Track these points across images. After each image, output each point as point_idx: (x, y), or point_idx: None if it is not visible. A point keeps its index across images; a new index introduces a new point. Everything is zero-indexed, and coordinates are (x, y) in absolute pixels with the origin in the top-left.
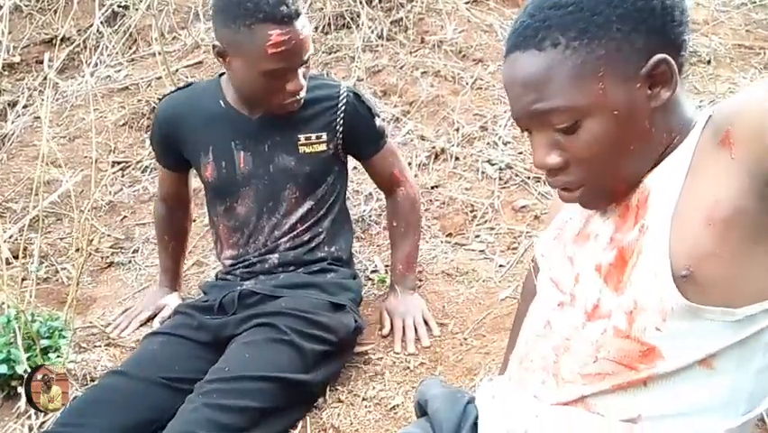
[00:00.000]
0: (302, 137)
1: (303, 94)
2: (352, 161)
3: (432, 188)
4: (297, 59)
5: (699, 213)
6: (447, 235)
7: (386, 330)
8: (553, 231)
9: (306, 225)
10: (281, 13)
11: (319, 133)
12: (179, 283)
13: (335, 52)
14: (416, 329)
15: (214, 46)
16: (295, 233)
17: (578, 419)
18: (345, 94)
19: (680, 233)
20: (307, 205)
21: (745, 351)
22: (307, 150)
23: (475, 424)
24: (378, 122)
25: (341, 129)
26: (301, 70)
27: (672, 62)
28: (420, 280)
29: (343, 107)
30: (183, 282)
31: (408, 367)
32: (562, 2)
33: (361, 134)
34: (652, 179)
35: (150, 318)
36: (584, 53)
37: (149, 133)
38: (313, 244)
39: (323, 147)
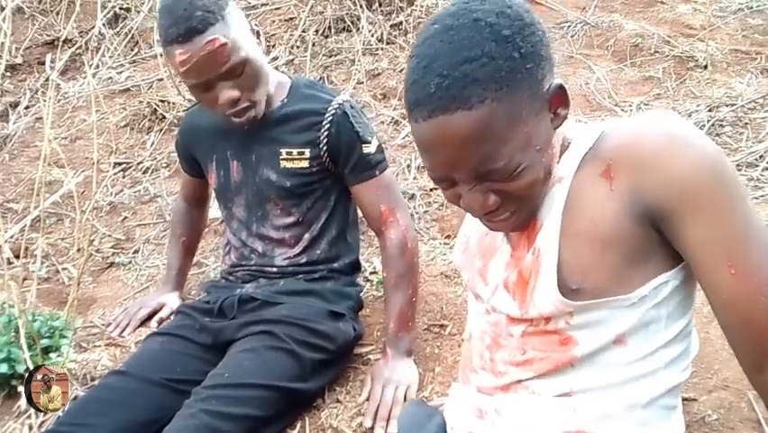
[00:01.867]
0: (284, 152)
1: (245, 104)
2: None
3: (430, 190)
4: (209, 72)
5: (581, 235)
6: (446, 237)
7: (362, 397)
8: (461, 244)
9: (297, 238)
10: (175, 34)
11: (301, 149)
12: (182, 283)
13: (335, 55)
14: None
15: None
16: (287, 248)
17: (517, 400)
18: (333, 111)
19: (566, 254)
20: (293, 218)
21: (649, 325)
22: (288, 165)
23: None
24: (367, 149)
25: (325, 148)
26: (223, 84)
27: (564, 84)
28: (418, 282)
29: (328, 125)
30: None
31: None
32: (472, 55)
33: (343, 158)
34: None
35: (150, 317)
36: (508, 102)
37: (150, 134)
38: (306, 259)
39: (305, 163)
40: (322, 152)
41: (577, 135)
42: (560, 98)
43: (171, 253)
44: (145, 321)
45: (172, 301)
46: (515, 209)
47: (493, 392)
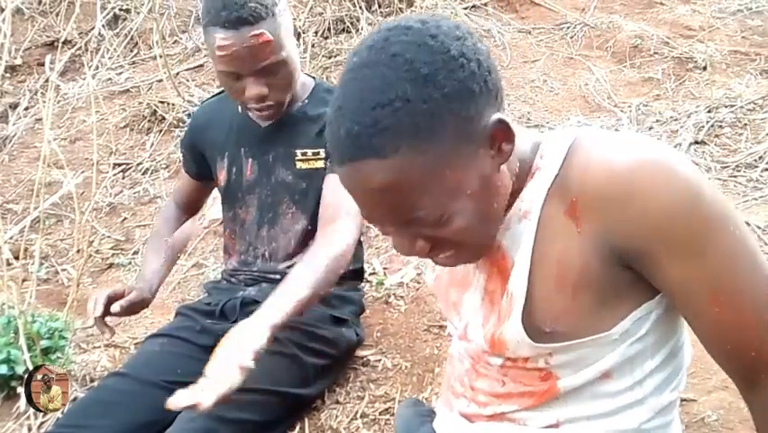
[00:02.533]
0: (299, 152)
1: (270, 102)
2: None
3: None
4: (244, 65)
5: (550, 278)
6: None
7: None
8: (431, 273)
9: (303, 246)
10: (223, 18)
11: (316, 150)
12: (156, 289)
13: (335, 57)
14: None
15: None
16: (294, 252)
17: (502, 430)
18: None
19: (537, 298)
20: (303, 222)
21: (635, 357)
22: (304, 166)
23: None
24: None
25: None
26: (253, 79)
27: (505, 118)
28: (418, 283)
29: None
30: (182, 284)
31: (407, 370)
32: (384, 99)
33: None
34: (506, 237)
35: (117, 296)
36: (427, 149)
37: (149, 135)
38: None
39: (320, 164)
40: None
41: (544, 156)
42: (502, 133)
43: (150, 252)
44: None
45: (142, 292)
46: (451, 253)
47: (477, 420)
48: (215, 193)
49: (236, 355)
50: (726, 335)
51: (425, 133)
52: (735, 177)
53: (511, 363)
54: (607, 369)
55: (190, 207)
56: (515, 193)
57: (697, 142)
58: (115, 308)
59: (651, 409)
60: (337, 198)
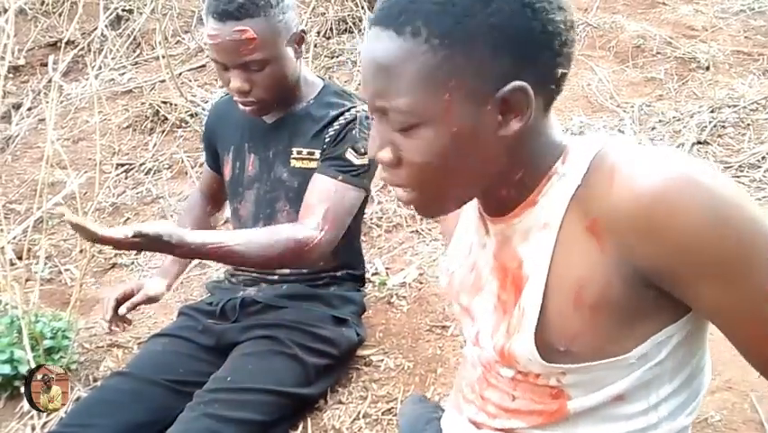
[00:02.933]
0: (295, 151)
1: (251, 99)
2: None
3: None
4: (227, 58)
5: (567, 296)
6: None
7: None
8: (445, 276)
9: None
10: (217, 8)
11: (311, 150)
12: (176, 275)
13: (337, 57)
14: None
15: None
16: None
17: None
18: (348, 116)
19: (552, 315)
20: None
21: (651, 382)
22: (298, 164)
23: None
24: (351, 155)
25: (325, 147)
26: (236, 72)
27: (531, 93)
28: (421, 284)
29: (336, 126)
30: (185, 284)
31: (409, 370)
32: None
33: (330, 150)
34: (522, 247)
35: (125, 297)
36: (441, 55)
37: (152, 135)
38: (311, 272)
39: (314, 165)
40: (324, 152)
41: (567, 162)
42: (515, 103)
43: None
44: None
45: (154, 287)
46: (411, 183)
47: (485, 429)
48: None
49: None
50: (764, 350)
51: (449, 40)
52: (738, 177)
53: (522, 376)
54: (621, 392)
55: (213, 197)
56: (523, 188)
57: (700, 143)
58: (122, 310)
59: (665, 431)
60: (314, 199)
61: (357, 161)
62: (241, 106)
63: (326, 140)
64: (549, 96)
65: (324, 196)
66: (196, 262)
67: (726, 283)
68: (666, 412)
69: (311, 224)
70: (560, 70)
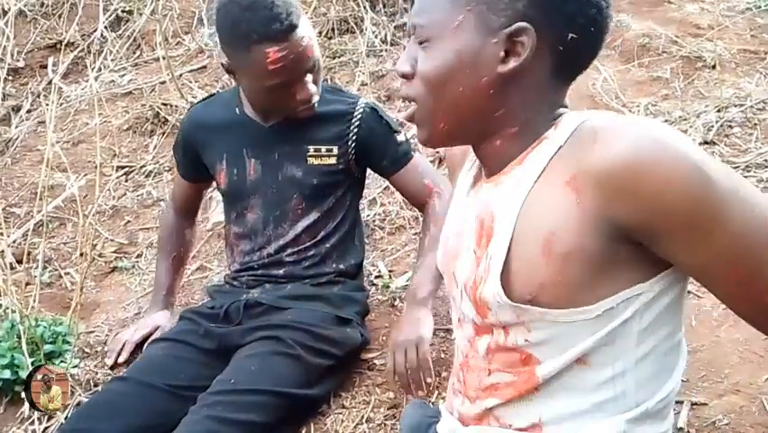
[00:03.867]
0: (311, 148)
1: (316, 98)
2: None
3: None
4: (299, 69)
5: (536, 244)
6: None
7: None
8: (442, 244)
9: (312, 237)
10: (274, 31)
11: (330, 146)
12: (172, 303)
13: (339, 57)
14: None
15: (222, 64)
16: (301, 246)
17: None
18: (362, 108)
19: (519, 263)
20: (313, 216)
21: (616, 343)
22: (315, 161)
23: None
24: (399, 137)
25: (353, 144)
26: (309, 77)
27: (534, 39)
28: None
29: (358, 122)
30: (186, 288)
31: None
32: None
33: (379, 150)
34: (497, 202)
35: (145, 339)
36: None
37: (152, 137)
38: (318, 259)
39: (332, 160)
40: (349, 149)
41: (557, 129)
42: (516, 44)
43: (160, 270)
44: (140, 345)
45: (165, 321)
46: (415, 95)
47: (469, 422)
48: (216, 195)
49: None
50: (752, 307)
51: None
52: (745, 177)
53: (494, 342)
54: (586, 350)
55: (189, 210)
56: (516, 145)
57: (706, 143)
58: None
59: (636, 412)
60: (414, 188)
61: (403, 137)
62: (303, 113)
63: (354, 138)
64: (557, 61)
65: (421, 175)
66: (195, 266)
67: (701, 237)
68: (633, 383)
69: (435, 199)
70: (571, 35)
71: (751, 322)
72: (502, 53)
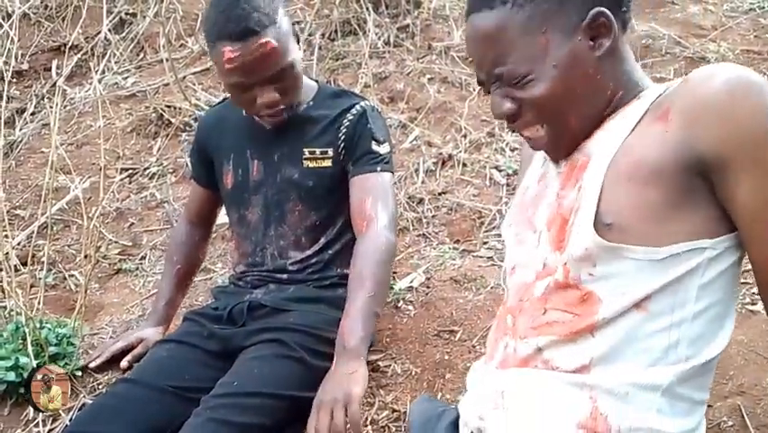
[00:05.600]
0: (307, 151)
1: (281, 107)
2: None
3: (439, 194)
4: (256, 75)
5: (624, 170)
6: (455, 242)
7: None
8: (518, 198)
9: (313, 242)
10: (230, 30)
11: (324, 149)
12: (170, 316)
13: (342, 59)
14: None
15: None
16: (303, 255)
17: (531, 383)
18: (355, 111)
19: (607, 191)
20: (312, 219)
21: (677, 293)
22: (311, 164)
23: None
24: (376, 147)
25: (342, 145)
26: (273, 85)
27: (610, 14)
28: (428, 288)
29: (347, 123)
30: (190, 289)
31: (416, 376)
32: None
33: (353, 151)
34: (594, 145)
35: (126, 352)
36: (529, 9)
37: (156, 139)
38: (322, 265)
39: (328, 163)
40: (339, 150)
41: (650, 87)
42: (601, 26)
43: (164, 281)
44: (117, 357)
45: (153, 337)
46: (537, 123)
47: (512, 365)
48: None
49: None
50: None
51: None
52: None
53: (554, 281)
54: (647, 294)
55: (204, 220)
56: (614, 109)
57: None
58: (124, 364)
59: (683, 367)
60: (365, 198)
61: (382, 149)
62: (268, 120)
63: (342, 138)
64: (624, 18)
65: (373, 192)
66: (200, 267)
67: (763, 176)
68: (688, 336)
69: (381, 225)
70: (630, 1)
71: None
72: (590, 42)
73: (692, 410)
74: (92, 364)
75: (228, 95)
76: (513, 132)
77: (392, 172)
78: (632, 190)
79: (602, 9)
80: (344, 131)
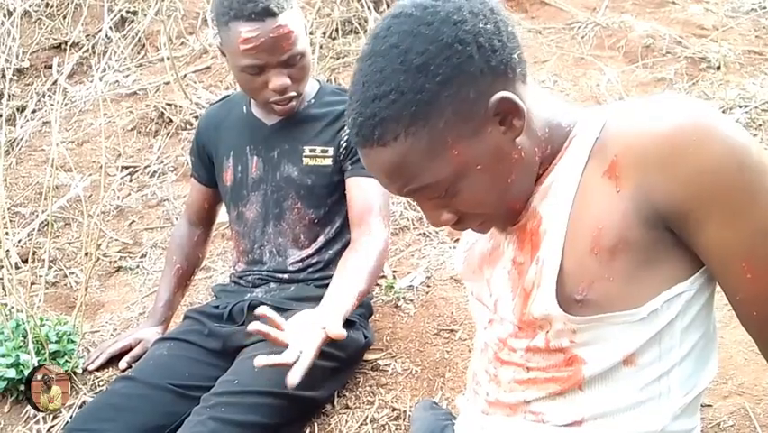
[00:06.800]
0: (307, 149)
1: (291, 93)
2: None
3: None
4: (271, 56)
5: (585, 242)
6: (455, 241)
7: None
8: (464, 252)
9: (311, 239)
10: (249, 10)
11: (325, 147)
12: (169, 317)
13: (343, 57)
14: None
15: (218, 45)
16: (302, 250)
17: (522, 428)
18: None
19: (570, 263)
20: (310, 217)
21: (662, 342)
22: (311, 162)
23: None
24: None
25: (343, 145)
26: (286, 70)
27: (512, 96)
28: (428, 287)
29: None
30: (190, 288)
31: (417, 374)
32: (381, 91)
33: (355, 151)
34: (543, 206)
35: (124, 353)
36: (426, 134)
37: (157, 137)
38: (322, 265)
39: (327, 162)
40: (340, 149)
41: (581, 123)
42: (509, 110)
43: (163, 281)
44: (116, 357)
45: (152, 337)
46: (481, 221)
47: (500, 412)
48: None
49: (314, 321)
50: (755, 304)
51: (422, 119)
52: None
53: (534, 347)
54: (632, 351)
55: (204, 219)
56: (549, 159)
57: None
58: (122, 365)
59: (675, 407)
60: (363, 201)
61: None
62: (277, 107)
63: (344, 138)
64: (522, 75)
65: (371, 195)
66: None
67: (732, 222)
68: (678, 379)
69: (377, 226)
70: (513, 55)
71: (755, 334)
72: (502, 128)
73: None
74: (91, 366)
75: (226, 94)
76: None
77: None
78: (598, 264)
79: (502, 95)
80: (348, 131)
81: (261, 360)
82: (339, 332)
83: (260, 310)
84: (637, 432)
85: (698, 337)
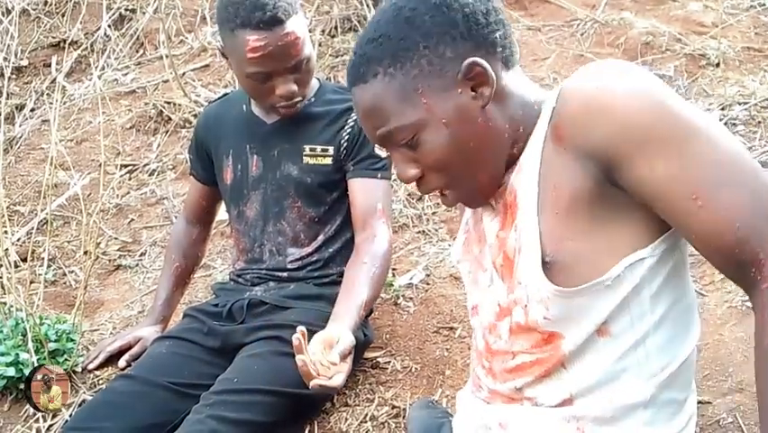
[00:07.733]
0: (307, 148)
1: (298, 98)
2: None
3: None
4: (278, 64)
5: (549, 205)
6: (454, 239)
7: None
8: (462, 235)
9: (311, 238)
10: (257, 19)
11: (325, 147)
12: (168, 316)
13: (342, 55)
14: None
15: (218, 48)
16: (302, 249)
17: (522, 414)
18: None
19: (543, 226)
20: (310, 216)
21: (631, 309)
22: (311, 161)
23: None
24: (380, 152)
25: (344, 144)
26: (291, 76)
27: (483, 62)
28: (427, 285)
29: (352, 123)
30: (189, 286)
31: (416, 372)
32: (373, 35)
33: (354, 151)
34: (517, 180)
35: (123, 351)
36: (400, 76)
37: (156, 135)
38: (321, 264)
39: (328, 161)
40: (341, 149)
41: (546, 99)
42: (478, 76)
43: (162, 280)
44: (115, 356)
45: (150, 336)
46: (442, 183)
47: (499, 400)
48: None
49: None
50: (713, 234)
51: (399, 62)
52: None
53: (515, 323)
54: (603, 319)
55: (203, 217)
56: (524, 138)
57: None
58: (122, 363)
59: (661, 376)
60: (365, 202)
61: (383, 153)
62: (283, 111)
63: (345, 138)
64: (504, 56)
65: (374, 196)
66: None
67: (665, 157)
68: (656, 346)
69: (380, 229)
70: (495, 35)
71: (721, 267)
72: (472, 93)
73: (679, 410)
74: (90, 366)
75: (225, 92)
76: (419, 191)
77: (391, 178)
78: (560, 224)
79: (474, 59)
80: (349, 131)
81: (317, 383)
82: (349, 346)
83: (301, 329)
84: (626, 403)
85: (669, 304)
